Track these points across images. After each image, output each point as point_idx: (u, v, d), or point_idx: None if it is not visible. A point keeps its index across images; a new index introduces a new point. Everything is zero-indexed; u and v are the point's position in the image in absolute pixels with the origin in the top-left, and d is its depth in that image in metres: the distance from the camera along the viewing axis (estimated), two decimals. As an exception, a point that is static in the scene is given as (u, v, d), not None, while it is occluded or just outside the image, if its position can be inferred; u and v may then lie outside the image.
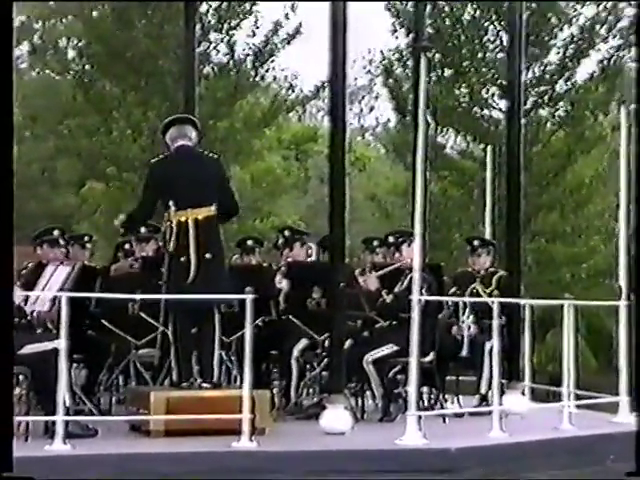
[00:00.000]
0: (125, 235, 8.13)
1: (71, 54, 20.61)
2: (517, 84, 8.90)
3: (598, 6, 18.53)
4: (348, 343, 7.54)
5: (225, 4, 17.89)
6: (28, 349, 6.40)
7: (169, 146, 7.34)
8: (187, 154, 7.26)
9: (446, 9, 18.21)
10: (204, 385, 6.97)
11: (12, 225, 4.91)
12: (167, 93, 17.16)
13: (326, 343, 7.70)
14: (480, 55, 18.25)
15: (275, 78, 20.44)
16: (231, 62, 18.19)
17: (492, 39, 18.24)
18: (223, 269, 7.15)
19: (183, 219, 7.04)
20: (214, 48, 18.04)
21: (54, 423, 6.01)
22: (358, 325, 8.17)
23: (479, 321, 8.52)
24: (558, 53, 18.58)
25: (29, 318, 6.95)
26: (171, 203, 7.06)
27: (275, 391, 8.22)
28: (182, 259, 7.02)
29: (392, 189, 22.81)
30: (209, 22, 17.85)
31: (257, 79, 18.78)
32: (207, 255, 6.99)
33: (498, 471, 6.24)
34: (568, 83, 18.69)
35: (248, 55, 18.32)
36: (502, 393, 7.41)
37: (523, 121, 9.04)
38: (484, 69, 18.25)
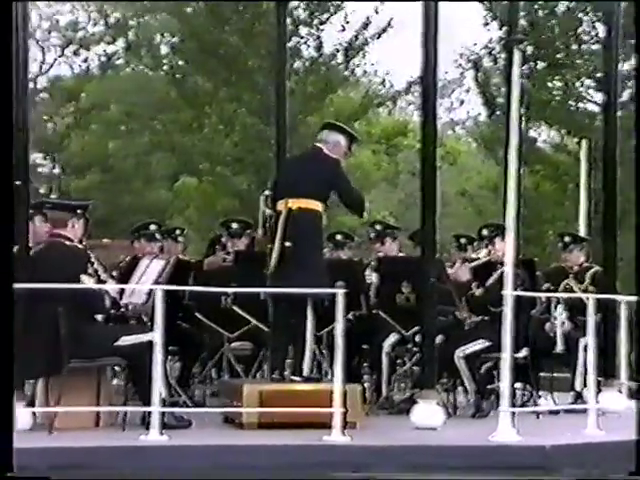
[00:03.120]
0: None
1: (164, 50, 20.95)
2: (613, 76, 8.73)
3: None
4: (439, 338, 7.50)
5: (316, -1, 17.94)
6: (125, 341, 6.54)
7: None
8: (309, 153, 7.48)
9: (540, 1, 17.91)
10: (294, 378, 7.02)
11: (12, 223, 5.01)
12: (258, 88, 17.29)
13: (417, 338, 7.68)
14: (575, 47, 17.90)
15: (365, 72, 20.41)
16: (321, 57, 18.23)
17: (588, 30, 17.86)
18: (305, 260, 7.04)
19: (281, 208, 7.12)
20: (305, 43, 18.11)
21: (150, 414, 6.13)
22: (450, 320, 8.13)
23: (573, 317, 8.40)
24: (657, 43, 18.09)
25: (123, 310, 7.09)
26: (267, 192, 7.26)
27: (366, 385, 8.23)
28: (269, 247, 7.10)
29: (483, 184, 22.57)
30: (299, 17, 17.91)
31: (347, 74, 18.78)
32: (287, 243, 7.03)
33: (593, 470, 6.13)
34: (667, 74, 18.19)
35: (338, 50, 18.34)
36: (598, 391, 7.28)
37: (619, 114, 8.86)
38: (579, 61, 17.90)
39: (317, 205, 7.14)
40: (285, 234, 7.04)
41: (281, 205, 7.13)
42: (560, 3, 17.96)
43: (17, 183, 6.49)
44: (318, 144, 7.38)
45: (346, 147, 7.42)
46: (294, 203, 7.08)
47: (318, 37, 18.07)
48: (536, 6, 17.79)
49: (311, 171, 7.19)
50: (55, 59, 28.17)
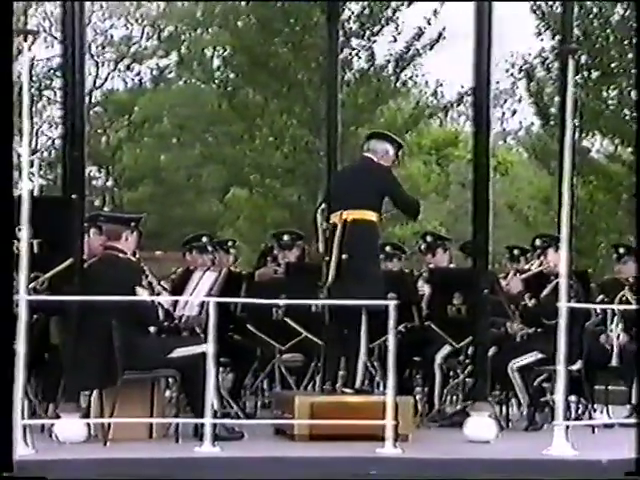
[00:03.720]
0: None
1: (216, 63, 21.09)
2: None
3: None
4: (492, 350, 7.44)
5: (367, 10, 17.93)
6: (178, 353, 6.58)
7: None
8: (360, 163, 7.45)
9: (594, 10, 17.73)
10: (346, 390, 7.00)
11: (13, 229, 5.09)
12: (308, 100, 17.34)
13: (469, 350, 7.63)
14: (630, 56, 17.68)
15: (416, 83, 20.36)
16: (372, 68, 18.23)
17: (643, 39, 17.63)
18: (362, 272, 7.03)
19: (336, 220, 7.11)
20: (356, 54, 18.12)
21: (203, 425, 6.15)
22: (502, 332, 8.06)
23: (629, 330, 8.29)
24: None
25: (176, 322, 7.13)
26: (323, 206, 7.26)
27: (418, 398, 8.18)
28: (327, 259, 7.09)
29: (535, 194, 22.39)
30: (351, 29, 17.93)
31: (398, 85, 18.76)
32: (344, 256, 7.01)
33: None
34: None
35: (389, 61, 18.33)
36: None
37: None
38: (634, 70, 17.67)
39: (372, 216, 7.11)
40: (341, 246, 7.04)
41: (336, 217, 7.12)
42: (615, 12, 17.76)
43: (73, 196, 6.58)
44: (367, 154, 7.37)
45: (394, 155, 7.41)
46: (349, 215, 7.07)
47: (369, 48, 18.07)
48: (590, 15, 17.62)
49: (364, 182, 7.17)
50: (109, 73, 28.58)
